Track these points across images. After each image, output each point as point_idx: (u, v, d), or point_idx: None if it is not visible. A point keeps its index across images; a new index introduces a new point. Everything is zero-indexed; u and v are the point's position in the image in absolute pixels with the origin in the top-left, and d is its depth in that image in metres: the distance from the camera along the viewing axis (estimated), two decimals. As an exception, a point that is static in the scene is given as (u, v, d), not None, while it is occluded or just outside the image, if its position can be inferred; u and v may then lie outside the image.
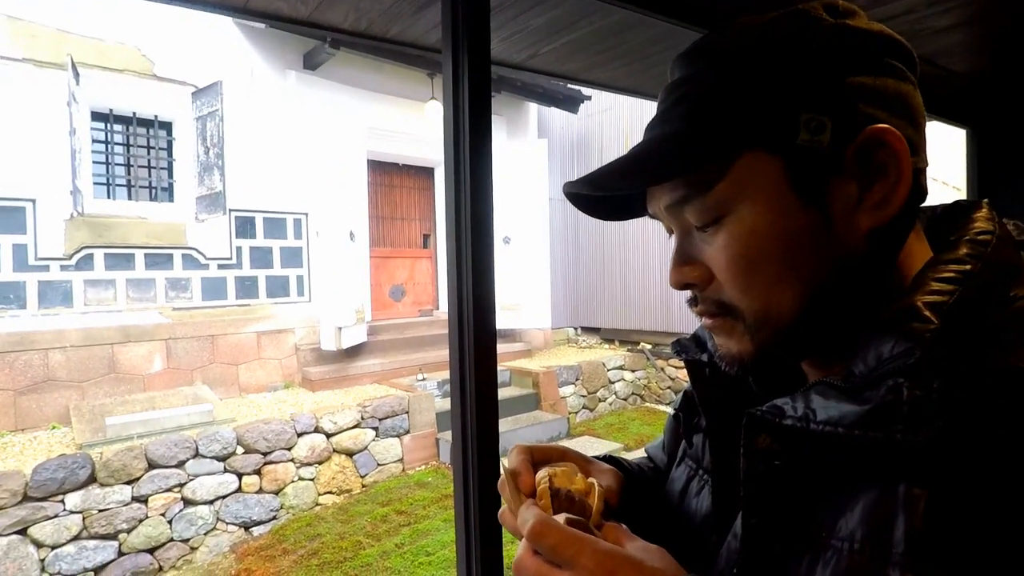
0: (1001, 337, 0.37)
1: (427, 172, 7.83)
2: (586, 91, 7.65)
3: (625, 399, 7.46)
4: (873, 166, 0.42)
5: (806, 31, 0.43)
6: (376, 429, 5.05)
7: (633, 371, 7.60)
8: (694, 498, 0.58)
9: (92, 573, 3.66)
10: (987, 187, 1.94)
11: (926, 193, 0.46)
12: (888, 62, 0.44)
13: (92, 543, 3.67)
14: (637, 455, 0.75)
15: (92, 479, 3.73)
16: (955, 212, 0.48)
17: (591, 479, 0.49)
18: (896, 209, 0.43)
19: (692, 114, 0.45)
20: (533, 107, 8.19)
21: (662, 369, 7.57)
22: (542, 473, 0.50)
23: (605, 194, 0.49)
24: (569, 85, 7.30)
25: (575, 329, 8.98)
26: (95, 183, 5.31)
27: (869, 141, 0.42)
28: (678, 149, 0.45)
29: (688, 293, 0.50)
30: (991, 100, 1.83)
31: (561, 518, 0.44)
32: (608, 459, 0.66)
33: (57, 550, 3.55)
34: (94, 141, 5.33)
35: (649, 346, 7.84)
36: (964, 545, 0.32)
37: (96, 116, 5.32)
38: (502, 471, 0.52)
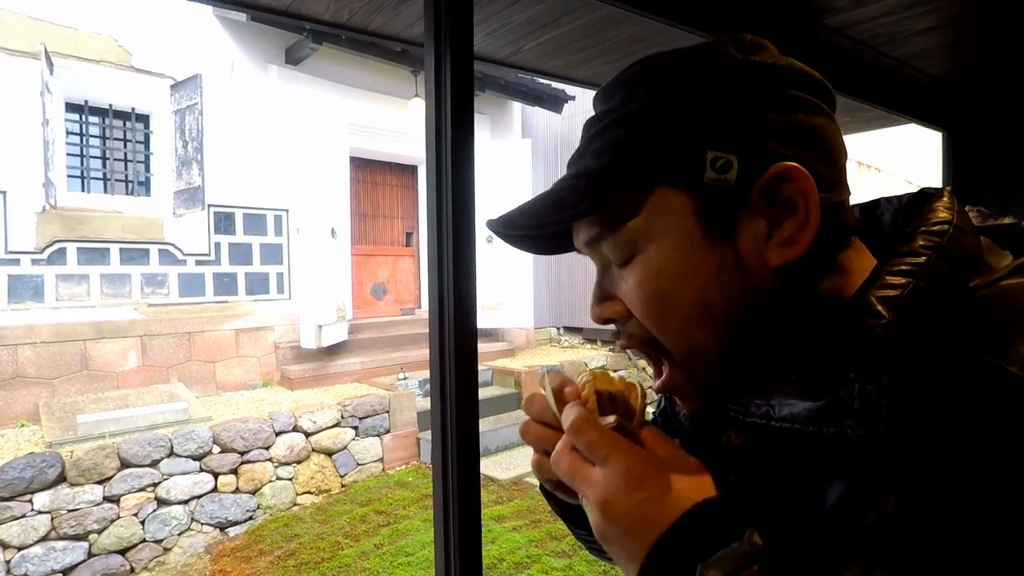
0: (957, 329, 0.37)
1: (410, 170, 7.78)
2: (570, 91, 7.66)
3: (606, 399, 7.49)
4: (781, 203, 0.42)
5: (714, 68, 0.43)
6: (356, 428, 5.00)
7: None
8: None
9: (60, 575, 3.56)
10: (963, 189, 1.97)
11: (850, 225, 0.45)
12: (797, 96, 0.43)
13: (61, 544, 3.58)
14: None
15: (62, 478, 3.64)
16: (918, 202, 0.48)
17: (630, 379, 0.49)
18: (805, 247, 0.42)
19: (602, 152, 0.45)
20: (517, 106, 8.18)
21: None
22: (584, 378, 0.50)
23: (525, 233, 0.49)
24: (553, 84, 7.31)
25: (557, 329, 8.99)
26: (69, 176, 5.18)
27: (775, 178, 0.41)
28: (587, 187, 0.45)
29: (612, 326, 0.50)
30: (967, 102, 1.86)
31: (611, 419, 0.45)
32: None
33: (24, 551, 3.46)
34: (68, 133, 5.21)
35: (631, 346, 7.89)
36: (931, 536, 0.33)
37: (71, 107, 5.20)
38: (543, 383, 0.52)
